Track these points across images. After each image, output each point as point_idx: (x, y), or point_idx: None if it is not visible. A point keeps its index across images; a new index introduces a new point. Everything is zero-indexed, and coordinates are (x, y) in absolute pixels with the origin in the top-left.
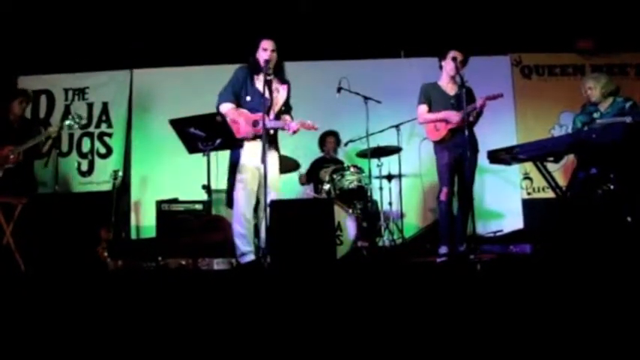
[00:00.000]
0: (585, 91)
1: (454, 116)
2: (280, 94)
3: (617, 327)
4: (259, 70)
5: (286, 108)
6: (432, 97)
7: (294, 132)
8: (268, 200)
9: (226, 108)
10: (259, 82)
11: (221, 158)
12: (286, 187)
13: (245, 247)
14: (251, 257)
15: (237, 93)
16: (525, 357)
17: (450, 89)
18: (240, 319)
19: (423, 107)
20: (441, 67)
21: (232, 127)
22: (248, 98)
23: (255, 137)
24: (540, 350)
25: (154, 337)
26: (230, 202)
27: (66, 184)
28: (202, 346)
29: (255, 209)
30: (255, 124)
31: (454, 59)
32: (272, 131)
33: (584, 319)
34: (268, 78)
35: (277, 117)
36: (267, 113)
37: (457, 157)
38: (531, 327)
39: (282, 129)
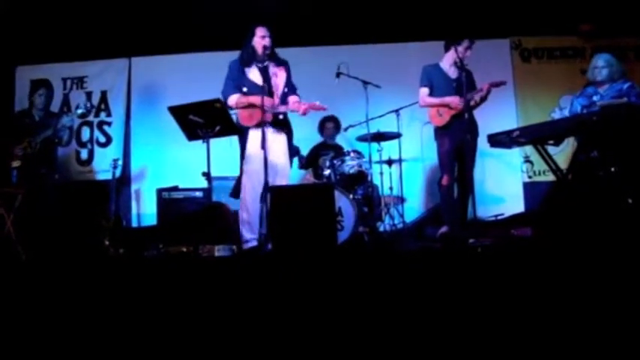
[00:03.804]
0: (594, 68)
1: (457, 102)
2: (279, 78)
3: (617, 310)
4: (252, 59)
5: (289, 89)
6: (433, 80)
7: (304, 113)
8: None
9: (235, 98)
10: (251, 73)
11: (221, 145)
12: None
13: (248, 234)
14: (254, 244)
15: (237, 86)
16: (526, 340)
17: (452, 73)
18: (239, 304)
19: (425, 90)
20: (447, 50)
21: (242, 116)
22: (245, 90)
23: (266, 123)
24: (541, 333)
25: (155, 324)
26: (235, 193)
27: (66, 174)
28: (203, 334)
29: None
30: (264, 110)
31: (467, 50)
32: (281, 116)
33: (585, 302)
34: (260, 65)
35: (282, 100)
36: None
37: (458, 143)
38: (532, 310)
39: (292, 111)
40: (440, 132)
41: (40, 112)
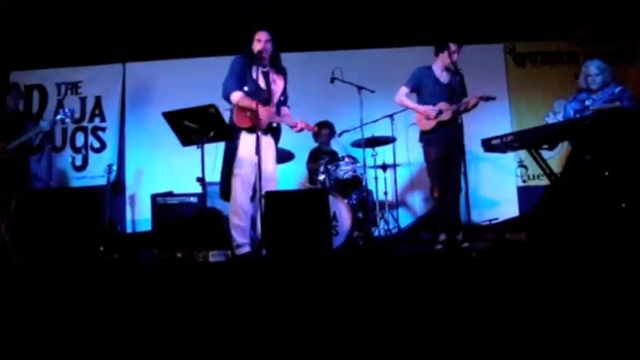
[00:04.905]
0: (587, 76)
1: (429, 112)
2: (277, 86)
3: (611, 313)
4: (255, 62)
5: (283, 98)
6: (423, 84)
7: (299, 131)
8: (264, 191)
9: (238, 96)
10: (255, 74)
11: (215, 150)
12: (280, 178)
13: (241, 239)
14: (247, 249)
15: (241, 83)
16: (520, 343)
17: (444, 78)
18: (236, 310)
19: (404, 89)
20: (436, 55)
21: (239, 116)
22: (246, 88)
23: (253, 128)
24: (535, 336)
25: (150, 330)
26: (225, 195)
27: (60, 179)
28: (198, 339)
29: (252, 200)
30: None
31: (453, 53)
32: (275, 124)
33: (579, 307)
34: (264, 70)
35: (277, 109)
36: (268, 105)
37: (445, 151)
38: (526, 314)
39: (286, 124)
40: (426, 137)
41: (11, 114)
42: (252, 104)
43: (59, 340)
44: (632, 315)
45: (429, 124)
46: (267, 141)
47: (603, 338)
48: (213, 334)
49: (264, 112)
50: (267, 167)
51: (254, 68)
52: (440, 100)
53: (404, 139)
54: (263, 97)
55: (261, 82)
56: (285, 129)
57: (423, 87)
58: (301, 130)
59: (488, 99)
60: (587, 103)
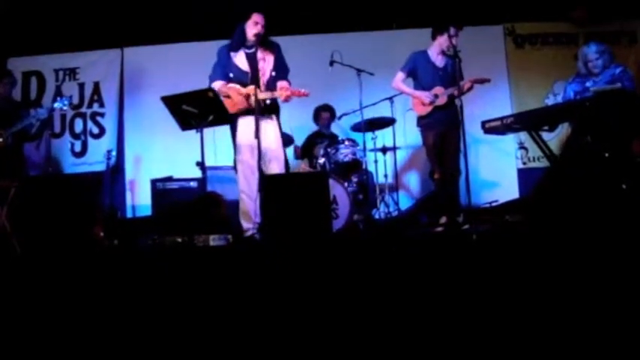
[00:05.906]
0: (587, 62)
1: (426, 98)
2: (267, 63)
3: (611, 295)
4: (240, 43)
5: (278, 73)
6: (419, 68)
7: (286, 100)
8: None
9: (217, 85)
10: (238, 58)
11: (214, 134)
12: None
13: (246, 224)
14: (250, 233)
15: (224, 72)
16: (520, 325)
17: (440, 61)
18: (235, 293)
19: (400, 74)
20: (434, 38)
21: (226, 103)
22: (231, 75)
23: (248, 111)
24: (535, 318)
25: (150, 315)
26: None
27: (59, 166)
28: (199, 323)
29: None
30: (247, 97)
31: (452, 37)
32: (268, 101)
33: (578, 288)
34: (248, 51)
35: (269, 86)
36: (257, 85)
37: (441, 135)
38: (526, 295)
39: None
40: (422, 122)
41: (3, 101)
42: (230, 91)
43: (60, 326)
44: (631, 297)
45: (425, 109)
46: (265, 122)
47: (602, 319)
48: (213, 317)
49: (246, 90)
50: (270, 146)
51: (236, 53)
52: (435, 84)
53: (403, 122)
54: (245, 79)
55: (243, 65)
56: (290, 112)
57: (418, 71)
58: (288, 98)
59: (482, 82)
60: (588, 84)
